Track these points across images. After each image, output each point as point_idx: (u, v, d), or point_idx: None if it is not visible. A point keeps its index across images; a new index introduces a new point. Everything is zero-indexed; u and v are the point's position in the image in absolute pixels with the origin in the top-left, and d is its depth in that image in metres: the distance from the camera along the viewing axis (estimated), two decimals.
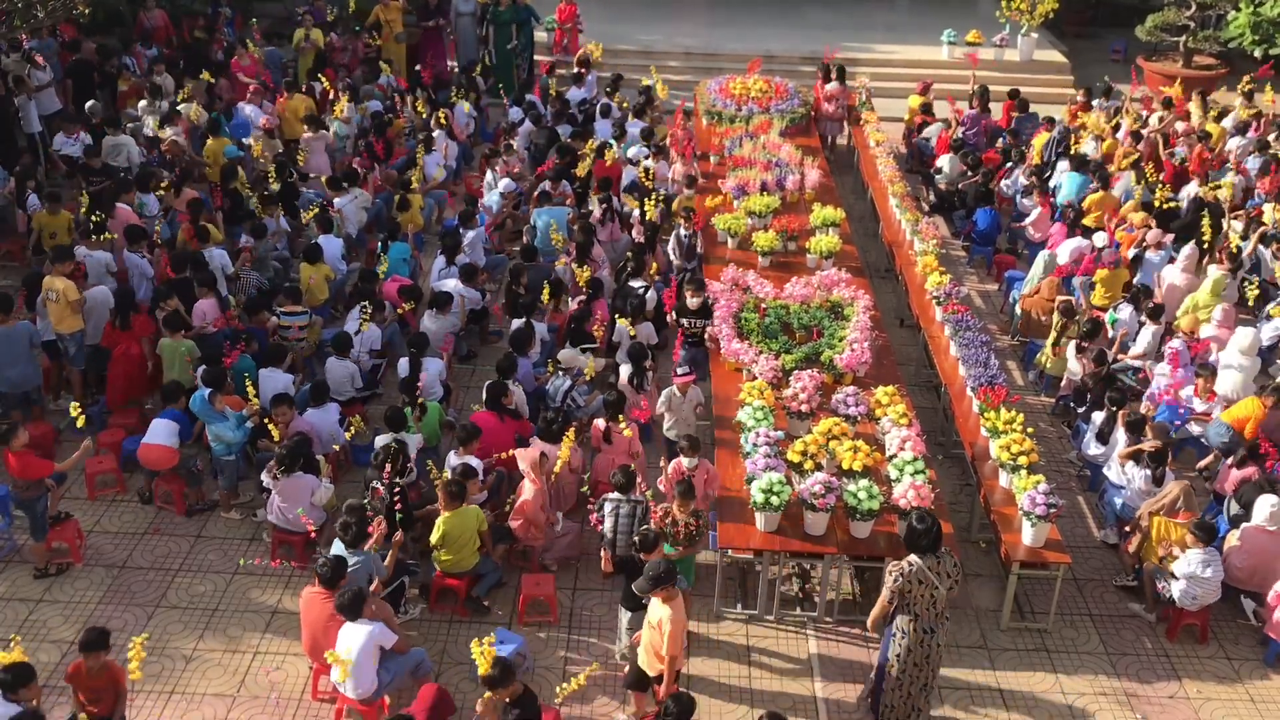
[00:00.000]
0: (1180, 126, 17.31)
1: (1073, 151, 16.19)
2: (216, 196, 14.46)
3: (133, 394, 11.33)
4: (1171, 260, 13.60)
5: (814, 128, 18.10)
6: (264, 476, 9.65)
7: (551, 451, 9.75)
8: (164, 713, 8.34)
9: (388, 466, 9.27)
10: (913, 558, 7.80)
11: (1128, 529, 9.98)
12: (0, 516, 9.76)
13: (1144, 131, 17.14)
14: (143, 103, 16.18)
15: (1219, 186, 15.30)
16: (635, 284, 12.53)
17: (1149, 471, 9.89)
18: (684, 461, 9.42)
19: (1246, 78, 18.71)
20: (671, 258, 13.59)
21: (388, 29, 20.32)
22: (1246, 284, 13.26)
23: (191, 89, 16.84)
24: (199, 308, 11.57)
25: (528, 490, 9.49)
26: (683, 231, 13.51)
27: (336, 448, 10.20)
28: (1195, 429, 11.19)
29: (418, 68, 19.80)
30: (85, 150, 14.64)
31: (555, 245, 13.67)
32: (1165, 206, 14.68)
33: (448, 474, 9.43)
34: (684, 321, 11.71)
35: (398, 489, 9.17)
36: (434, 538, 9.04)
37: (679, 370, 10.63)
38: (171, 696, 8.47)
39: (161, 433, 10.21)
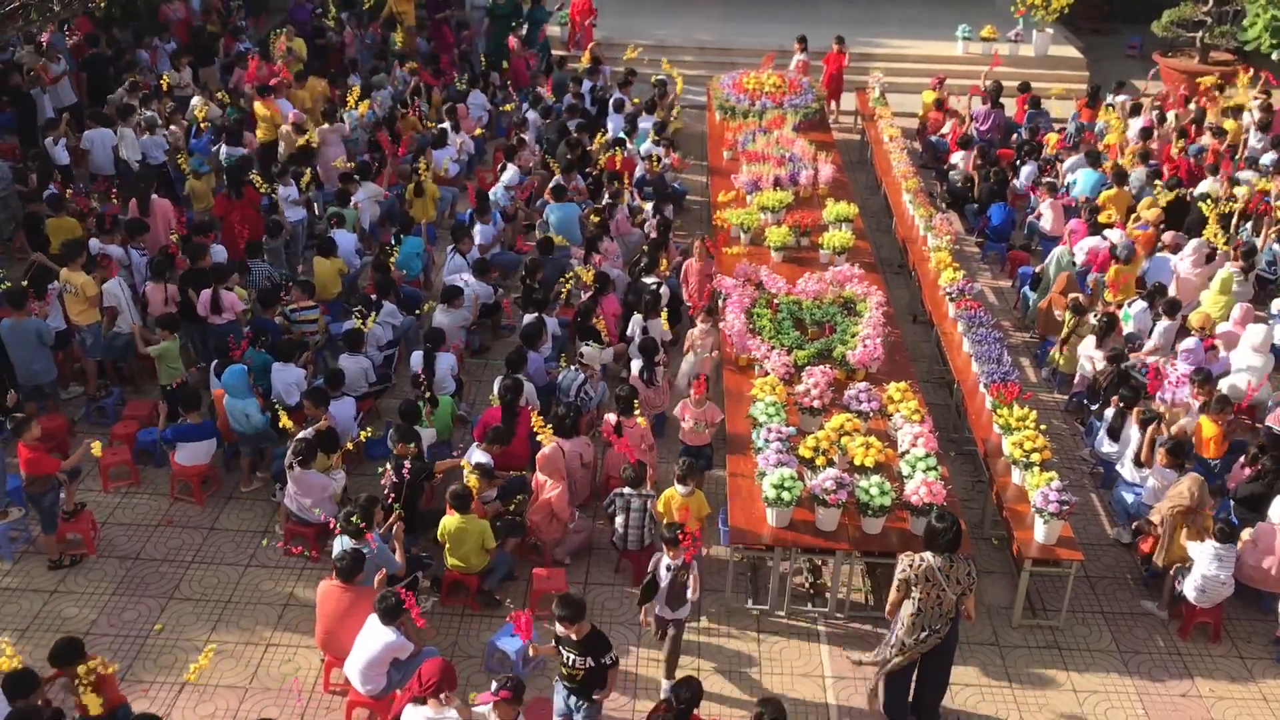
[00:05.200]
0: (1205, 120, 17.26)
1: (1111, 159, 16.07)
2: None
3: (255, 237, 13.04)
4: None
5: (827, 118, 18.29)
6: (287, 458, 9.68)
7: (566, 446, 9.76)
8: (176, 704, 8.38)
9: (402, 444, 9.47)
10: (927, 554, 7.80)
11: (1135, 525, 9.97)
12: (18, 509, 9.81)
13: (1158, 130, 17.05)
14: (152, 107, 16.19)
15: (1236, 183, 15.23)
16: (648, 280, 12.50)
17: (1171, 470, 9.85)
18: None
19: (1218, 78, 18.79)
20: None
21: (401, 20, 20.39)
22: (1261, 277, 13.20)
23: (205, 83, 16.93)
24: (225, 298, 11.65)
25: (551, 488, 9.51)
26: (666, 561, 8.34)
27: (349, 446, 10.21)
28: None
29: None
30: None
31: (560, 244, 13.66)
32: (1173, 198, 14.61)
33: (467, 465, 9.48)
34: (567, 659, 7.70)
35: (405, 466, 9.24)
36: (439, 533, 9.09)
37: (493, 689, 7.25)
38: (184, 688, 8.50)
39: (202, 453, 10.35)
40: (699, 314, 11.68)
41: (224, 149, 14.95)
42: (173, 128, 15.62)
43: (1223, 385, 11.14)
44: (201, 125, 15.58)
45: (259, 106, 15.88)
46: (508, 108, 18.21)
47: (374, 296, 12.07)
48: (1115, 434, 10.66)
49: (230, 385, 10.37)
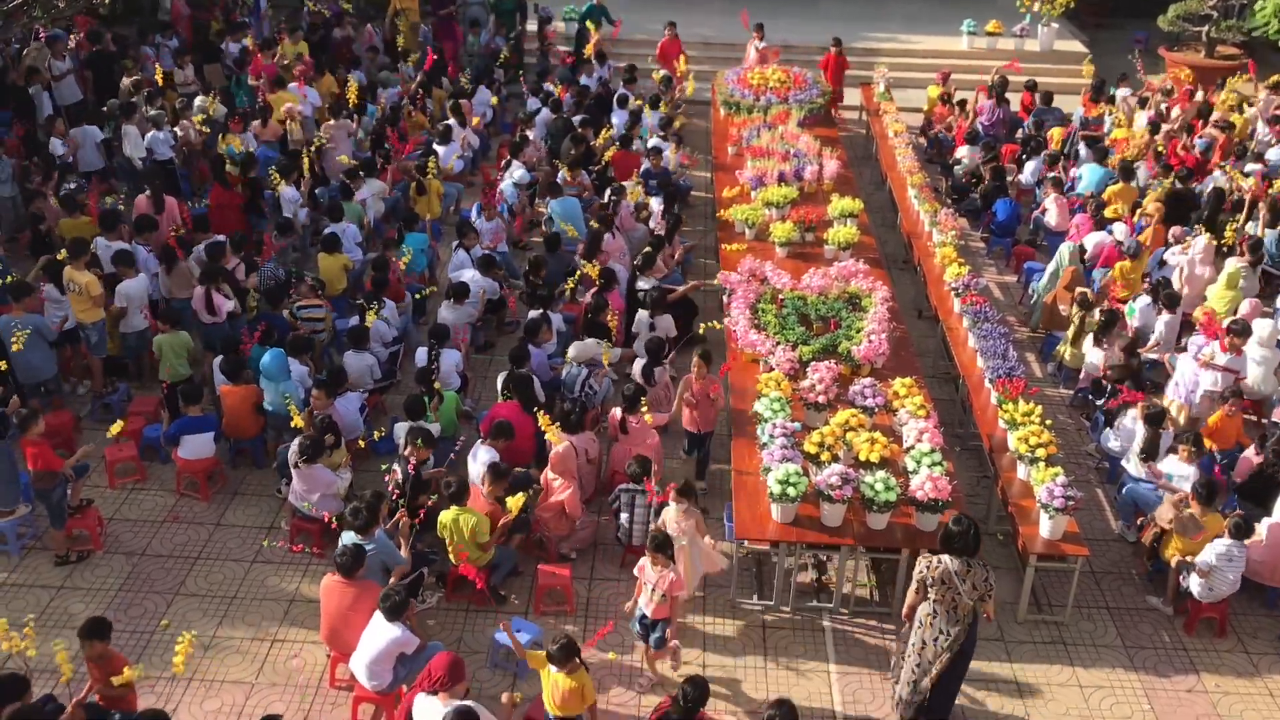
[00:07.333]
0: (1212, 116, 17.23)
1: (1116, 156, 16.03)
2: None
3: (244, 231, 13.23)
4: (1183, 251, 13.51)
5: (834, 115, 18.29)
6: (290, 452, 9.68)
7: (573, 441, 9.75)
8: (182, 699, 8.40)
9: (413, 445, 9.41)
10: (945, 556, 7.78)
11: (1141, 520, 9.97)
12: (25, 505, 9.83)
13: (1164, 124, 17.01)
14: (157, 104, 16.16)
15: (1239, 175, 15.19)
16: (643, 284, 12.43)
17: (1192, 467, 9.84)
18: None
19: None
20: None
21: (405, 17, 20.38)
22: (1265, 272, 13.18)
23: (210, 80, 16.94)
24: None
25: (562, 488, 9.51)
26: None
27: (361, 444, 10.20)
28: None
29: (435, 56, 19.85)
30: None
31: (571, 236, 13.67)
32: (1173, 191, 14.58)
33: (478, 467, 9.48)
34: None
35: (411, 464, 9.24)
36: (438, 529, 9.09)
37: None
38: (190, 683, 8.52)
39: (203, 447, 10.38)
40: (673, 494, 8.80)
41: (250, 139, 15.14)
42: (183, 122, 15.62)
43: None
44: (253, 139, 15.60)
45: (273, 99, 15.92)
46: (494, 101, 18.20)
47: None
48: (1110, 419, 10.66)
49: (268, 368, 10.54)
